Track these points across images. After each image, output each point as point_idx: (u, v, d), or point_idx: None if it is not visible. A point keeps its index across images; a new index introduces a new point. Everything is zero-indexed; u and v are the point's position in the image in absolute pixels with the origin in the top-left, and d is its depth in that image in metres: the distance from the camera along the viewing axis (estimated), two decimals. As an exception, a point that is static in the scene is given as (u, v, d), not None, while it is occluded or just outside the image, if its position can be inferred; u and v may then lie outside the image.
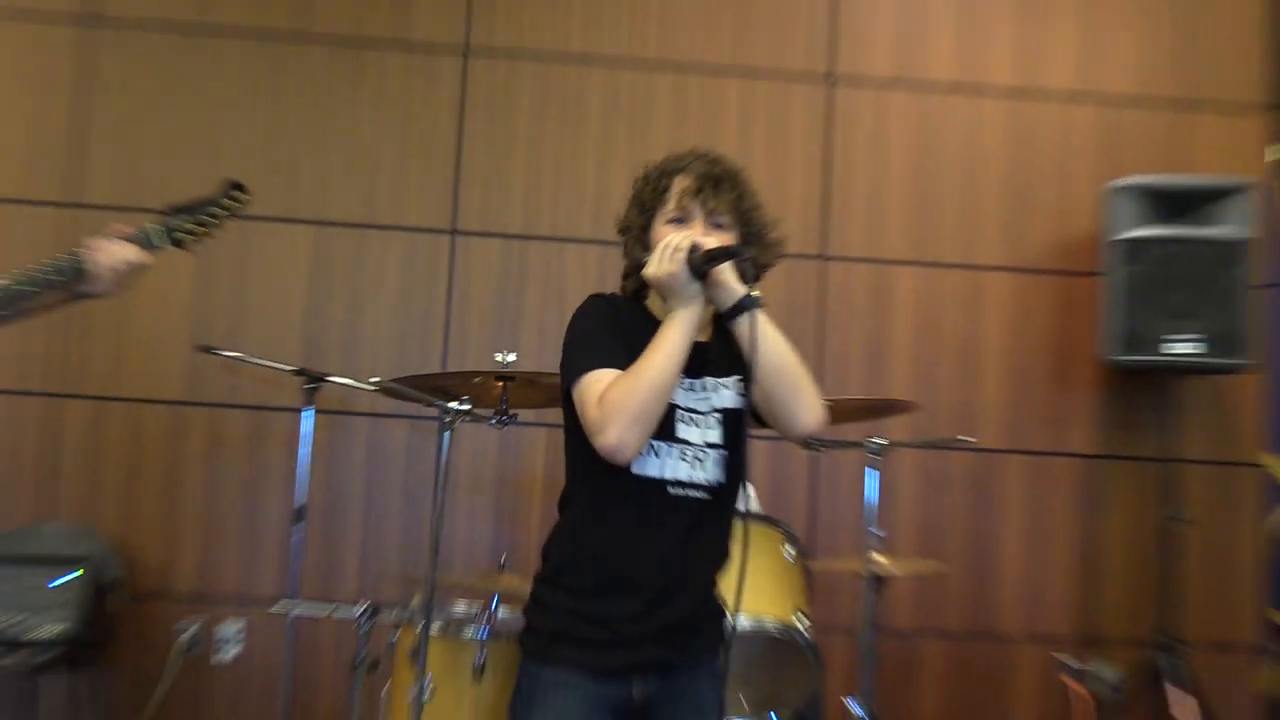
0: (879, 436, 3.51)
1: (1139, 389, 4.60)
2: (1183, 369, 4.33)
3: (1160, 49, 4.78)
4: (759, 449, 4.34)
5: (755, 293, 2.01)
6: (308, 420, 3.81)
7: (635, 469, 2.04)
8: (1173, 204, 4.33)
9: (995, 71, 4.71)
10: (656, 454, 2.05)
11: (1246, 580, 4.63)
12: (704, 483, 2.09)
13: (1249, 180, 4.32)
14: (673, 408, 2.05)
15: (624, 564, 2.05)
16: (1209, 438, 4.65)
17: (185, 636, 4.20)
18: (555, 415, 2.17)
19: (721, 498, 2.12)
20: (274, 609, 3.64)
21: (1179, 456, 4.43)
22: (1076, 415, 4.64)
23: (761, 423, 2.16)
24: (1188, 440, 4.55)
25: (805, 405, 2.07)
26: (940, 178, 4.66)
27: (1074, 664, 4.52)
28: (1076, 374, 4.64)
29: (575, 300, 2.16)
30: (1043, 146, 4.70)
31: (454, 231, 4.46)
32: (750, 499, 3.83)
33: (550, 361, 2.25)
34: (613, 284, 2.26)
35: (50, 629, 3.73)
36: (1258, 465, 4.62)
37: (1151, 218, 4.31)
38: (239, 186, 2.72)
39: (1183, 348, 4.23)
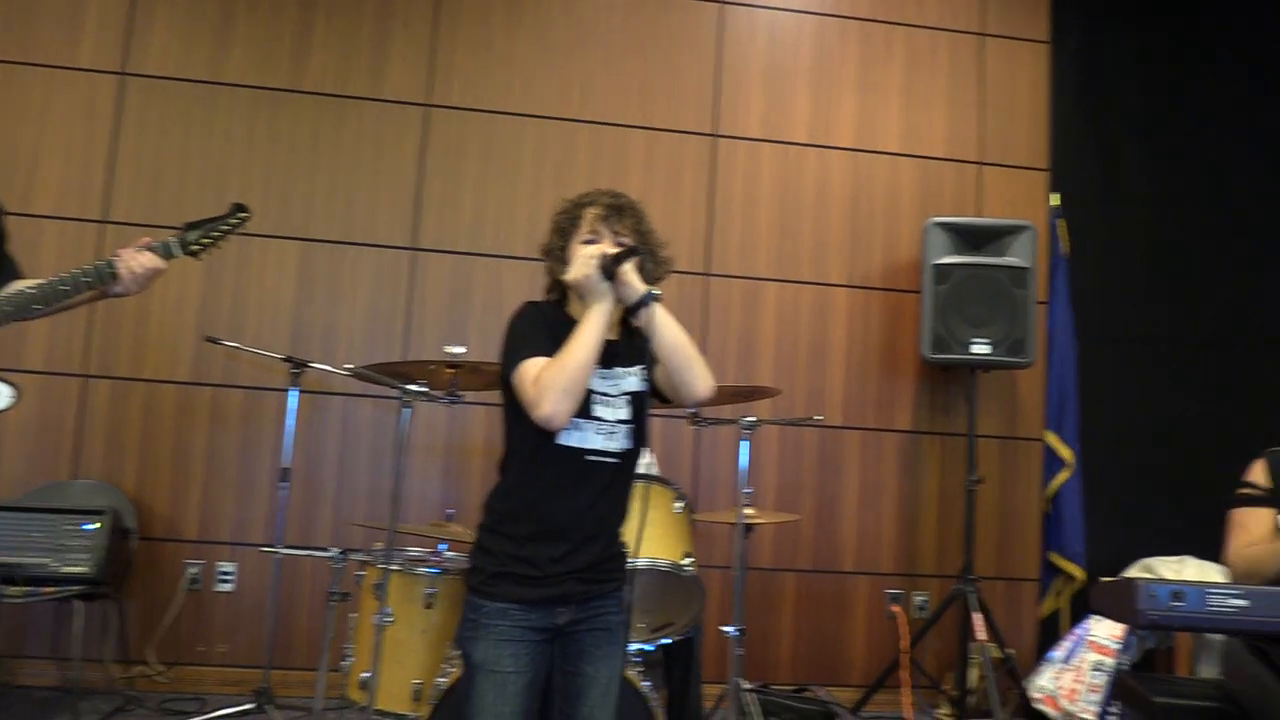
0: (749, 416, 3.54)
1: (948, 380, 4.73)
2: (981, 365, 4.43)
3: (966, 121, 4.90)
4: (656, 425, 4.35)
5: (655, 290, 2.04)
6: (293, 398, 3.82)
7: (561, 440, 2.02)
8: (974, 238, 4.44)
9: (841, 134, 4.80)
10: (578, 429, 2.03)
11: (1030, 529, 4.77)
12: (615, 451, 2.07)
13: (1032, 222, 4.46)
14: (590, 392, 2.04)
15: (551, 516, 2.04)
16: (1001, 419, 4.79)
17: (190, 573, 4.20)
18: (495, 396, 2.14)
19: (627, 463, 2.11)
20: (263, 550, 3.62)
21: (978, 433, 4.50)
22: (901, 400, 4.74)
23: (664, 399, 2.17)
24: (985, 420, 4.66)
25: (698, 376, 2.06)
26: (798, 213, 4.74)
27: (898, 593, 4.66)
28: (901, 368, 4.75)
29: (512, 304, 2.15)
30: (876, 191, 4.80)
31: (414, 248, 4.47)
32: (650, 464, 3.94)
33: (491, 353, 2.21)
34: (542, 294, 2.23)
35: (78, 567, 3.69)
36: (1038, 439, 4.78)
37: (958, 248, 4.42)
38: (242, 208, 2.70)
39: (981, 349, 4.33)
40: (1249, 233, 5.12)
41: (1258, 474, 2.68)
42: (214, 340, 3.89)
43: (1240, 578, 2.61)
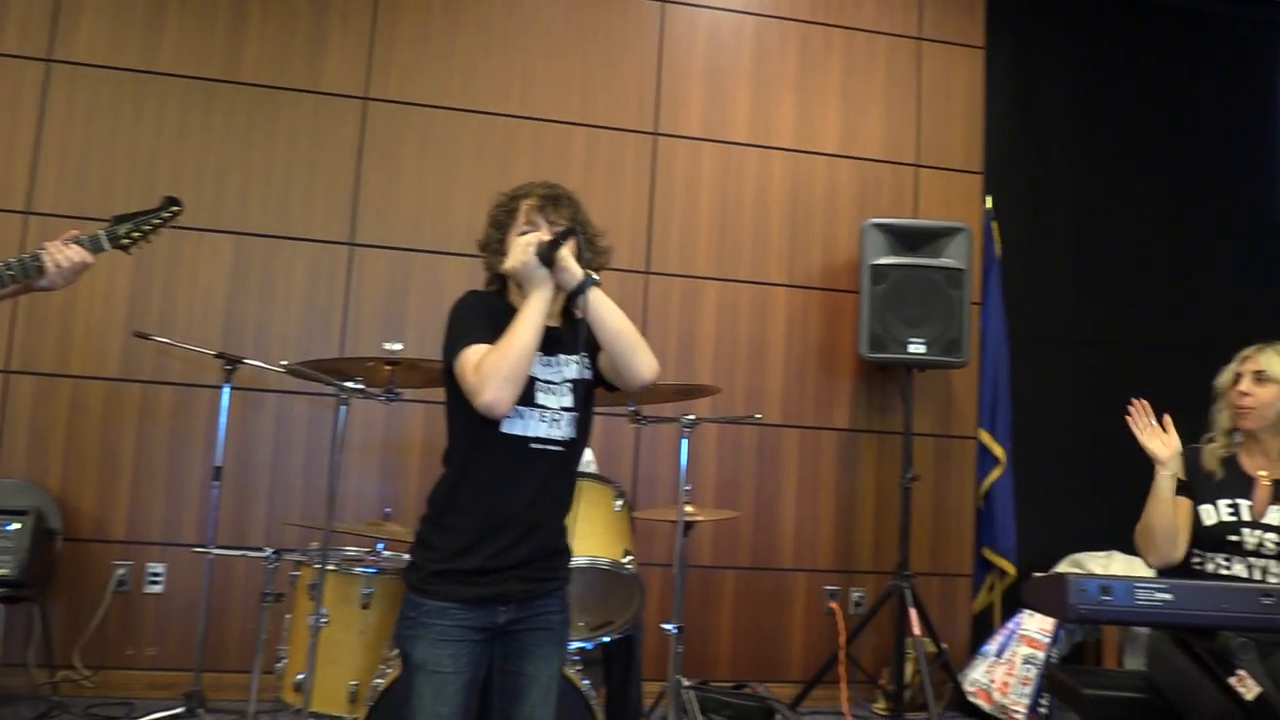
0: (689, 413, 3.52)
1: (885, 379, 4.79)
2: (917, 365, 4.48)
3: (903, 123, 4.97)
4: (596, 423, 4.20)
5: (596, 275, 2.04)
6: (226, 395, 3.73)
7: (504, 429, 2.01)
8: (910, 240, 4.49)
9: (780, 134, 4.83)
10: (521, 417, 2.02)
11: (964, 526, 4.85)
12: (559, 439, 2.06)
13: (967, 224, 4.53)
14: (533, 379, 2.02)
15: (495, 506, 2.01)
16: (936, 417, 4.86)
17: (118, 574, 4.09)
18: (433, 393, 2.10)
19: (572, 451, 2.10)
20: (195, 550, 3.55)
21: (914, 431, 4.55)
22: (839, 399, 4.78)
23: (609, 386, 2.16)
24: (920, 419, 4.72)
25: (641, 360, 2.07)
26: (738, 213, 4.76)
27: (835, 589, 4.70)
28: (839, 367, 4.78)
29: (451, 301, 2.13)
30: (815, 192, 4.84)
31: (352, 243, 4.41)
32: (590, 463, 3.94)
33: (430, 350, 2.18)
34: (483, 288, 2.22)
35: (0, 569, 3.59)
36: (972, 438, 4.86)
37: (895, 249, 4.46)
38: (174, 201, 2.66)
39: (917, 348, 4.39)
40: (1175, 235, 5.28)
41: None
42: (143, 335, 3.81)
43: (1141, 547, 2.71)
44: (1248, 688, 2.13)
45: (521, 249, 2.02)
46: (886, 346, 4.40)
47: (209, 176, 4.32)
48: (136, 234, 2.59)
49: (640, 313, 4.61)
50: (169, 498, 4.18)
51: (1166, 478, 2.65)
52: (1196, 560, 2.71)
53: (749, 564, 4.63)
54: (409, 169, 4.49)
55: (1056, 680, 2.83)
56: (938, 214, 4.88)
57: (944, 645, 4.40)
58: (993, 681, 4.34)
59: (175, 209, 2.67)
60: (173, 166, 4.29)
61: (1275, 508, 2.65)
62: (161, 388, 4.22)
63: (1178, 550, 2.68)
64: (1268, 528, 2.63)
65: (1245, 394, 2.74)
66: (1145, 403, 2.69)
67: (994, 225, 4.90)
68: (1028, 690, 4.22)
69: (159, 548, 4.16)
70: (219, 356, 3.71)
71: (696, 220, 4.73)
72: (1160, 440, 2.67)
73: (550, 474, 2.07)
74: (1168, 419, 2.68)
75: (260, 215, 4.35)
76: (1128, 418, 2.70)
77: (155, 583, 4.15)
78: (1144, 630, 3.51)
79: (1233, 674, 2.13)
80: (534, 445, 2.04)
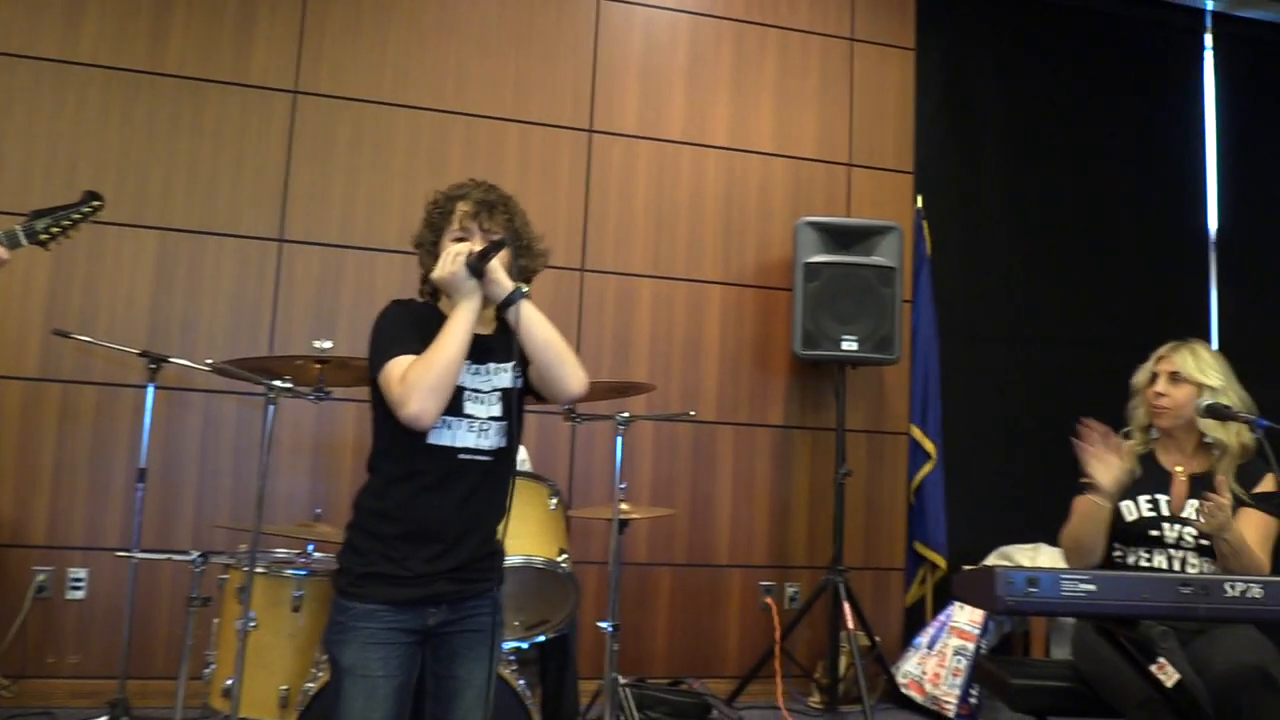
0: (624, 411, 3.52)
1: (819, 376, 4.82)
2: (849, 361, 4.53)
3: (836, 123, 5.01)
4: (531, 421, 4.34)
5: (524, 288, 2.02)
6: (150, 395, 3.63)
7: (431, 439, 1.99)
8: (843, 238, 4.54)
9: (715, 133, 4.85)
10: (449, 426, 2.00)
11: (896, 520, 4.91)
12: (487, 449, 2.04)
13: (898, 223, 4.60)
14: (461, 389, 2.01)
15: (422, 516, 1.99)
16: (868, 414, 4.91)
17: (38, 580, 3.97)
18: (364, 392, 2.08)
19: (501, 461, 2.08)
20: (118, 555, 3.46)
21: (847, 427, 4.59)
22: (773, 395, 4.81)
23: (539, 397, 2.14)
24: (853, 415, 4.77)
25: (569, 373, 2.05)
26: (673, 211, 4.77)
27: (770, 585, 4.72)
28: (773, 364, 4.81)
29: (385, 299, 2.12)
30: (749, 190, 4.86)
31: (281, 240, 4.32)
32: (524, 461, 3.92)
33: (361, 348, 2.11)
34: (415, 287, 2.21)
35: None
36: (904, 434, 4.93)
37: (828, 247, 4.50)
38: (95, 196, 2.61)
39: (849, 345, 4.43)
40: (1101, 235, 5.41)
41: None
42: (63, 334, 3.70)
43: (1069, 552, 2.77)
44: (1168, 675, 2.19)
45: (451, 259, 1.99)
46: (819, 344, 4.44)
47: (132, 170, 4.20)
48: (55, 229, 2.55)
49: (575, 310, 4.59)
50: (91, 501, 4.06)
51: (1102, 505, 2.66)
52: (1118, 554, 2.77)
53: (685, 561, 4.64)
54: (340, 164, 4.42)
55: (986, 671, 2.88)
56: (870, 213, 4.94)
57: (877, 638, 4.47)
58: (924, 673, 4.41)
59: (96, 204, 2.63)
60: (94, 160, 4.17)
61: (1193, 502, 2.71)
62: (83, 387, 4.10)
63: (1100, 555, 2.74)
64: (1186, 521, 2.70)
65: (1161, 394, 2.80)
66: (1095, 424, 2.66)
67: (924, 224, 4.98)
68: (958, 681, 4.30)
69: (81, 552, 4.04)
70: (143, 355, 3.61)
71: (632, 218, 4.73)
72: (1103, 466, 2.64)
73: (478, 484, 2.05)
74: (1117, 439, 2.69)
75: (185, 210, 4.25)
76: (1076, 439, 2.67)
77: (77, 588, 4.03)
78: (1069, 620, 3.59)
79: (1154, 662, 2.19)
80: (461, 455, 2.03)
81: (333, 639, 1.99)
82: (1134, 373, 2.96)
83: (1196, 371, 2.76)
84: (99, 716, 3.49)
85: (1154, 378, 2.84)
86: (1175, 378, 2.79)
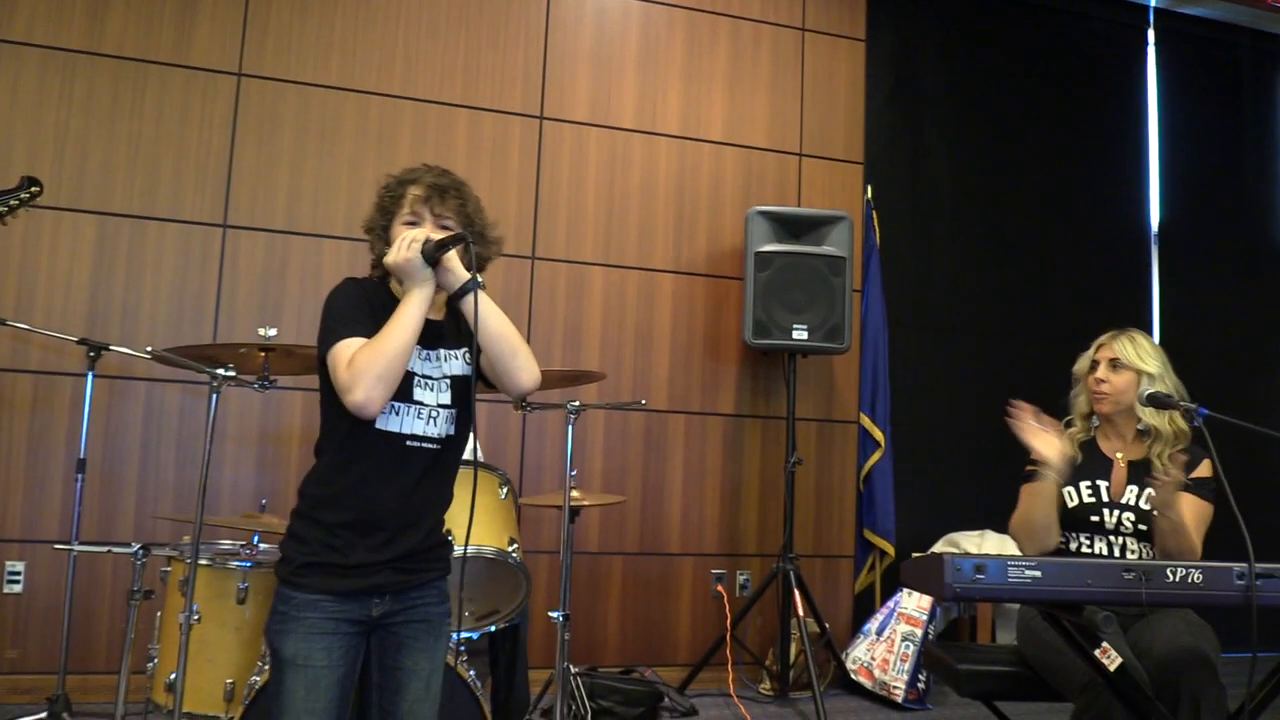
0: (575, 400, 3.50)
1: (769, 365, 4.84)
2: (800, 350, 4.55)
3: (787, 113, 5.03)
4: (482, 410, 4.22)
5: (480, 278, 1.99)
6: (90, 384, 3.56)
7: (379, 425, 1.95)
8: (794, 227, 4.56)
9: (667, 121, 4.84)
10: (397, 413, 1.97)
11: (846, 508, 4.96)
12: (436, 437, 2.01)
13: (848, 213, 4.63)
14: (411, 374, 1.98)
15: (368, 504, 1.95)
16: (818, 402, 4.94)
17: (-28, 574, 3.89)
18: (311, 380, 2.04)
19: (450, 449, 2.05)
20: (56, 547, 3.38)
21: (798, 416, 4.62)
22: (724, 384, 4.82)
23: (490, 385, 2.10)
24: (803, 404, 4.80)
25: (521, 366, 2.02)
26: (625, 199, 4.75)
27: (721, 573, 4.74)
28: (724, 353, 4.83)
29: (330, 285, 2.06)
30: (701, 179, 4.86)
31: (225, 225, 4.24)
32: (475, 450, 3.88)
33: (307, 336, 2.12)
34: (362, 273, 2.16)
35: None
36: (854, 422, 4.97)
37: (778, 237, 4.52)
38: (34, 182, 2.55)
39: (800, 334, 4.45)
40: (1046, 227, 5.50)
41: None
42: (-1, 321, 3.61)
43: (1022, 539, 2.81)
44: (1110, 659, 2.23)
45: (407, 246, 1.95)
46: (770, 333, 4.46)
47: (70, 153, 4.09)
48: (-11, 213, 2.45)
49: (526, 298, 4.57)
50: (28, 492, 3.96)
51: (1052, 479, 2.70)
52: (1061, 540, 2.81)
53: (636, 549, 4.65)
54: (286, 149, 4.34)
55: (933, 656, 2.91)
56: (820, 203, 4.97)
57: (827, 625, 4.50)
58: (874, 659, 4.46)
59: (35, 190, 2.56)
60: (30, 142, 4.05)
61: (1133, 487, 2.76)
62: (19, 376, 3.99)
63: (1053, 539, 2.77)
64: (1125, 507, 2.75)
65: (1102, 380, 2.84)
66: (1025, 404, 2.70)
67: (874, 214, 5.02)
68: (907, 666, 4.35)
69: (18, 545, 3.94)
70: (82, 343, 3.55)
71: (583, 206, 4.70)
72: (1044, 440, 2.69)
73: (426, 472, 2.02)
74: (1046, 417, 2.73)
75: (126, 195, 4.15)
76: (1009, 419, 2.71)
77: (14, 581, 3.93)
78: (1015, 606, 3.65)
79: (1097, 646, 2.22)
80: (409, 443, 2.00)
81: (274, 629, 1.95)
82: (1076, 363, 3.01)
83: (1136, 359, 2.81)
84: (38, 713, 3.43)
85: (1094, 365, 2.89)
86: (1115, 364, 2.84)
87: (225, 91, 4.29)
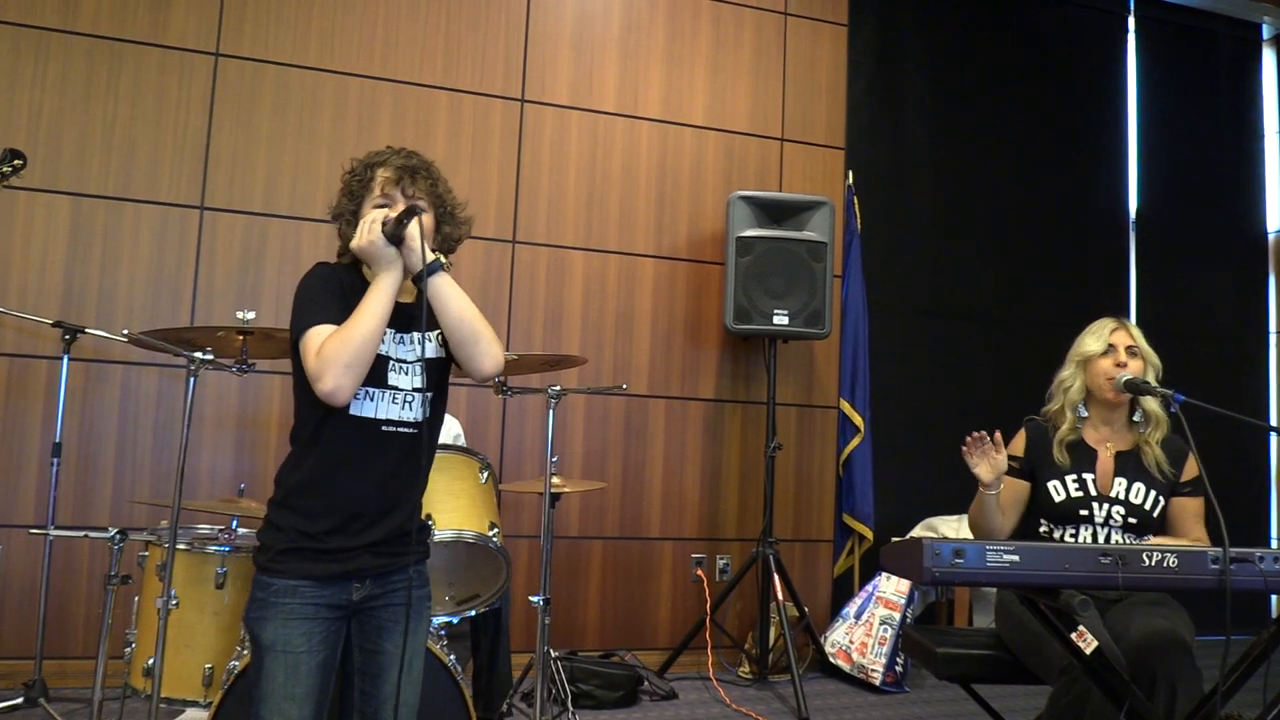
0: (556, 384, 3.48)
1: (750, 350, 4.86)
2: (780, 335, 4.56)
3: (769, 97, 5.02)
4: (462, 394, 4.32)
5: (443, 259, 1.98)
6: (65, 367, 3.55)
7: (353, 410, 1.94)
8: (775, 212, 4.57)
9: (648, 105, 4.83)
10: (371, 398, 1.96)
11: (825, 493, 4.98)
12: (411, 421, 2.00)
13: (829, 198, 4.64)
14: (385, 359, 1.97)
15: (344, 490, 1.95)
16: (799, 387, 4.96)
17: (-54, 558, 3.85)
18: (289, 365, 2.03)
19: (424, 433, 2.02)
20: (32, 532, 3.36)
21: (778, 401, 4.65)
22: (705, 369, 4.83)
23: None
24: (784, 389, 4.82)
25: (483, 351, 1.99)
26: (606, 183, 4.74)
27: (701, 557, 4.76)
28: (705, 338, 4.83)
29: (309, 268, 2.04)
30: (682, 164, 4.86)
31: (202, 207, 4.20)
32: (459, 436, 3.88)
33: (286, 319, 2.06)
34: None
35: None
36: (834, 407, 4.99)
37: (760, 222, 4.53)
38: (17, 155, 2.48)
39: (780, 320, 4.46)
40: (1026, 213, 5.52)
41: (1017, 445, 2.88)
42: (-30, 304, 3.56)
43: (972, 532, 2.83)
44: (1087, 642, 2.25)
45: (368, 227, 1.94)
46: (751, 318, 4.47)
47: (44, 133, 4.04)
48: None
49: (507, 282, 4.54)
50: (3, 477, 3.93)
51: (991, 496, 2.70)
52: (1045, 530, 2.80)
53: (616, 534, 4.66)
54: (264, 130, 4.30)
55: (911, 640, 2.92)
56: (801, 188, 4.97)
57: (806, 609, 4.52)
58: (852, 643, 4.49)
59: (18, 163, 2.49)
60: (2, 121, 4.00)
61: (1121, 480, 2.76)
62: (-8, 359, 3.96)
63: (1005, 535, 2.78)
64: (1114, 500, 2.74)
65: (1122, 365, 2.79)
66: (980, 434, 2.67)
67: (855, 200, 5.02)
68: (885, 650, 4.38)
69: (-8, 531, 3.91)
70: (57, 325, 3.55)
71: (564, 189, 4.68)
72: (986, 464, 2.67)
73: (402, 457, 2.01)
74: (998, 436, 2.71)
75: (101, 175, 4.10)
76: (963, 448, 2.68)
77: (-12, 567, 3.90)
78: (993, 590, 3.68)
79: (1074, 629, 2.24)
80: (384, 428, 1.98)
81: (254, 616, 1.94)
82: (1056, 347, 2.97)
83: (1147, 347, 2.82)
84: (15, 698, 3.41)
85: (1109, 349, 2.83)
86: (1132, 351, 2.81)
87: (202, 71, 4.24)
